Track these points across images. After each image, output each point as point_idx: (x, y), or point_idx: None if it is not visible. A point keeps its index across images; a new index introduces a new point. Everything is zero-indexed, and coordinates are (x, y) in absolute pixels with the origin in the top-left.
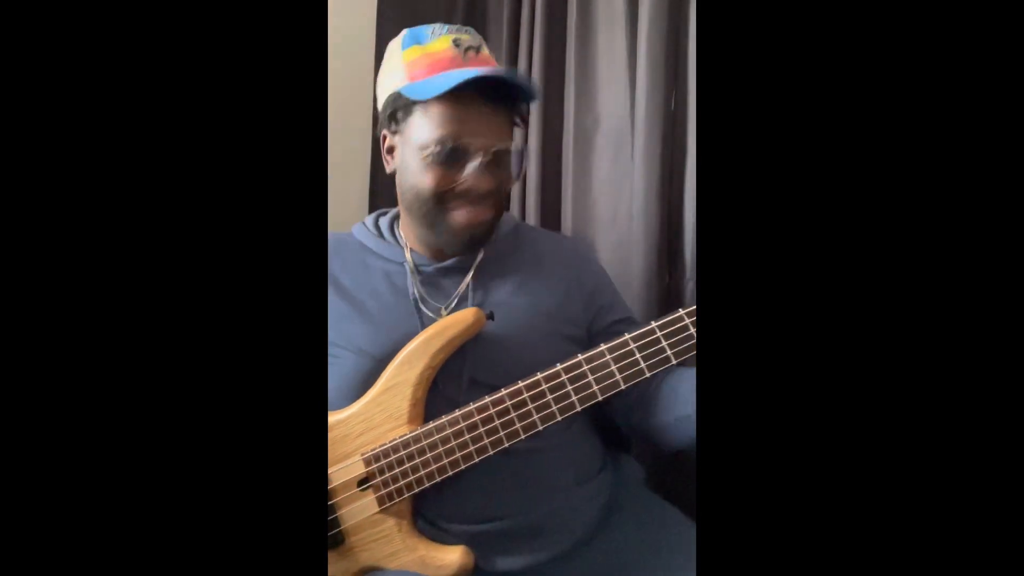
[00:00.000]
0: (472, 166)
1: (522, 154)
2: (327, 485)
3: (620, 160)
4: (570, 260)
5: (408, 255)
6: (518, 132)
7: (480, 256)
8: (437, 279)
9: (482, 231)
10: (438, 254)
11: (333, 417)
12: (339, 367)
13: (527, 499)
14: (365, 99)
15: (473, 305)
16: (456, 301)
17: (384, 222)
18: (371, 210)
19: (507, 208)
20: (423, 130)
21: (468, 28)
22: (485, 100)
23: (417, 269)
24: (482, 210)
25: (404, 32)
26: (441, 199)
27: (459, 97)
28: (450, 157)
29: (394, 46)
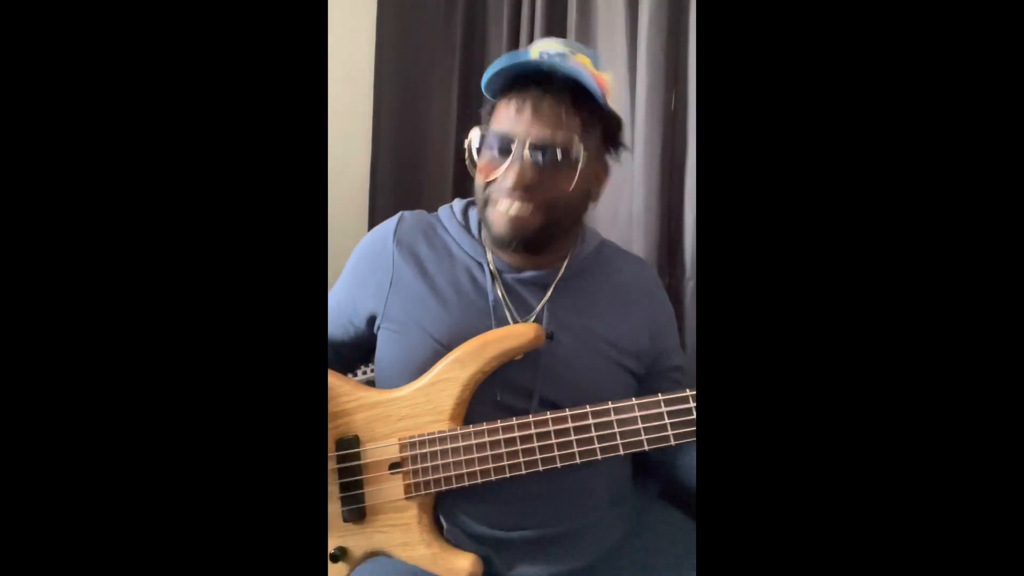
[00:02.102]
0: (512, 155)
1: (578, 152)
2: (327, 477)
3: (620, 160)
4: (648, 294)
5: (490, 258)
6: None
7: (561, 272)
8: (517, 289)
9: (523, 232)
10: (516, 261)
11: (380, 396)
12: (405, 343)
13: (562, 513)
14: (365, 98)
15: (551, 322)
16: (534, 316)
17: (472, 216)
18: (371, 209)
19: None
20: (488, 125)
21: (569, 41)
22: (543, 93)
23: (499, 275)
24: (520, 205)
25: None
26: (485, 194)
27: (520, 93)
28: (494, 146)
29: None
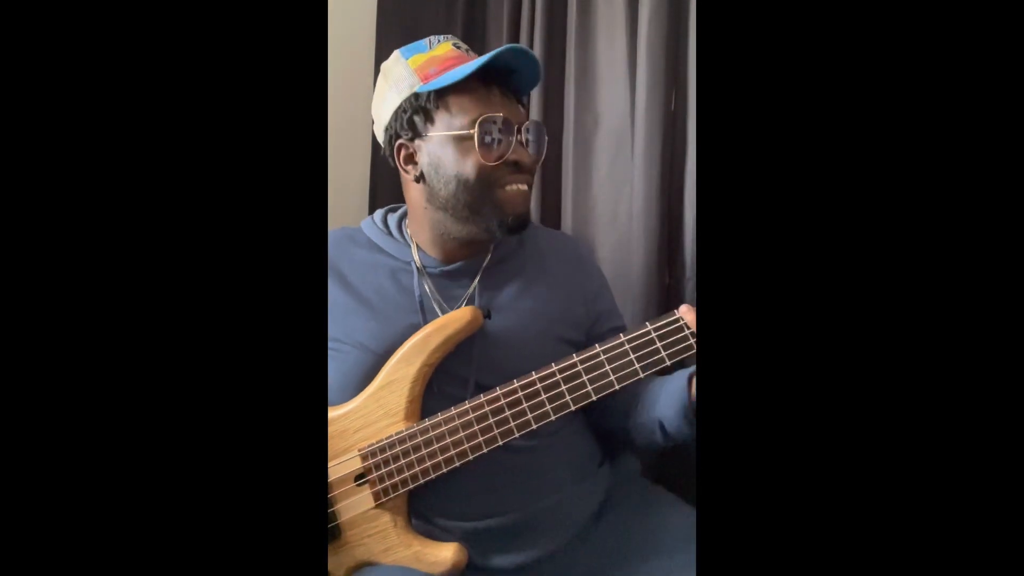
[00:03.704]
0: (514, 138)
1: (543, 131)
2: (327, 480)
3: (620, 160)
4: (573, 263)
5: (415, 254)
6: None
7: (487, 259)
8: (443, 281)
9: (526, 210)
10: (447, 255)
11: (332, 412)
12: (341, 361)
13: (525, 496)
14: (365, 98)
15: (481, 304)
16: (464, 304)
17: (392, 220)
18: (371, 208)
19: None
20: (457, 118)
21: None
22: (501, 89)
23: (424, 270)
24: (527, 186)
25: (396, 51)
26: (490, 178)
27: (481, 87)
28: (497, 131)
29: (393, 61)
